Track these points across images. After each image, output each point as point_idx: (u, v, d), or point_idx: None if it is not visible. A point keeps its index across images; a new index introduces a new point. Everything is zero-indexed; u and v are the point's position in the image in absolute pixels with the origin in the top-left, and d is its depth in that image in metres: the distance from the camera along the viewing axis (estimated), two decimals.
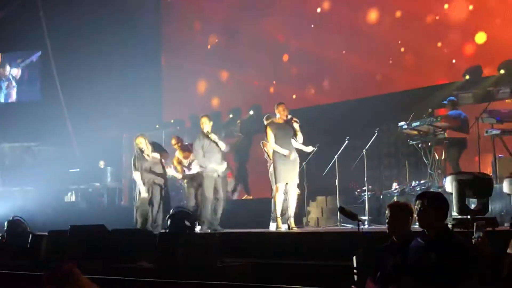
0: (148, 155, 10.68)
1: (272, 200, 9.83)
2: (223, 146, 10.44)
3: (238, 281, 6.60)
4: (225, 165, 10.56)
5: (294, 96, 15.37)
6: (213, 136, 10.35)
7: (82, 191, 17.37)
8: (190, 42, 18.39)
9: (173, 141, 11.60)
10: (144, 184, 10.64)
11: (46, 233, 9.21)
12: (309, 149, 10.01)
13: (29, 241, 9.36)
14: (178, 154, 11.36)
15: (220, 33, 17.77)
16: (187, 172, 11.18)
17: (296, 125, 9.57)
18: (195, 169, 10.91)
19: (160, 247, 7.83)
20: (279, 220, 9.54)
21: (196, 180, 10.87)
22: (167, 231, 8.52)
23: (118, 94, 18.23)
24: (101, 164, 17.32)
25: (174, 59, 19.05)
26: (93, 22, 18.62)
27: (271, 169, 9.93)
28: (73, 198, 17.55)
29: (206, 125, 10.37)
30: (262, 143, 10.30)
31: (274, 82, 16.44)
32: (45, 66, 20.30)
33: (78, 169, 17.76)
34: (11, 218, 10.47)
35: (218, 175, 10.40)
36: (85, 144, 18.49)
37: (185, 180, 11.29)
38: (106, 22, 18.50)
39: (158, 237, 8.09)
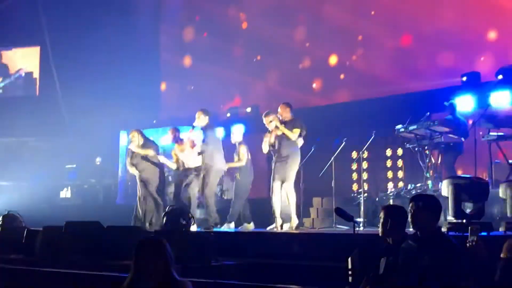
0: (129, 149, 10.83)
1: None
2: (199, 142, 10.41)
3: (232, 280, 6.60)
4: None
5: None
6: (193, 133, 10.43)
7: (77, 187, 17.35)
8: (189, 38, 18.40)
9: (169, 133, 11.56)
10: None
11: (41, 229, 9.18)
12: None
13: (24, 236, 9.34)
14: (176, 146, 11.31)
15: (217, 30, 17.79)
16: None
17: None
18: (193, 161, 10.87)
19: None
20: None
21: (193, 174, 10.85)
22: (162, 228, 8.54)
23: (116, 90, 18.22)
24: (98, 160, 17.31)
25: (173, 55, 19.06)
26: (92, 17, 18.61)
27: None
28: (68, 194, 17.53)
29: (200, 119, 10.41)
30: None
31: (268, 79, 16.47)
32: (43, 61, 20.27)
33: (75, 165, 17.75)
34: (6, 213, 10.45)
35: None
36: (82, 140, 18.46)
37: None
38: (105, 17, 18.49)
39: (153, 234, 8.08)
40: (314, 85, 15.71)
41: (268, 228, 9.81)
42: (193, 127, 10.54)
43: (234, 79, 17.14)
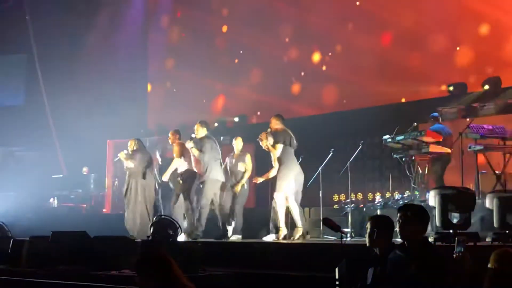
0: (118, 156, 11.08)
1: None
2: (196, 153, 10.42)
3: None
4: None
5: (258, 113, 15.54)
6: (189, 144, 10.44)
7: (64, 197, 17.26)
8: (177, 48, 18.43)
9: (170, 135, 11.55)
10: None
11: (28, 239, 9.13)
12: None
13: (10, 246, 9.28)
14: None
15: (206, 40, 17.83)
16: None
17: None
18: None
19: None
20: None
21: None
22: (149, 238, 8.52)
23: (103, 100, 18.18)
24: (85, 170, 17.25)
25: (160, 65, 19.07)
26: (80, 27, 18.59)
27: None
28: (55, 204, 17.44)
29: (198, 131, 10.52)
30: None
31: (258, 92, 16.52)
32: (30, 70, 20.21)
33: (61, 175, 17.67)
34: None
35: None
36: (68, 150, 18.39)
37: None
38: (92, 27, 18.48)
39: (140, 244, 8.07)
40: (298, 93, 15.73)
41: (264, 238, 9.78)
42: (191, 138, 10.63)
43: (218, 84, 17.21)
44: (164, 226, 8.51)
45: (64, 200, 17.26)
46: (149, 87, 19.52)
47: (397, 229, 4.79)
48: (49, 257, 8.60)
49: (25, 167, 18.81)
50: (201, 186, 10.43)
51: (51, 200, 17.48)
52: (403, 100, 13.71)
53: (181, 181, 10.76)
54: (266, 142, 9.76)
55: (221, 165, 10.58)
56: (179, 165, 10.86)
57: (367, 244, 5.05)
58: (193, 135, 10.78)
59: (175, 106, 17.81)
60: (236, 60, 17.17)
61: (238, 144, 10.82)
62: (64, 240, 8.76)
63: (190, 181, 10.69)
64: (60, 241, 8.77)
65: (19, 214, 15.47)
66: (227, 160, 10.81)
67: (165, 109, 18.47)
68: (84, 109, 18.17)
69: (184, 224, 10.50)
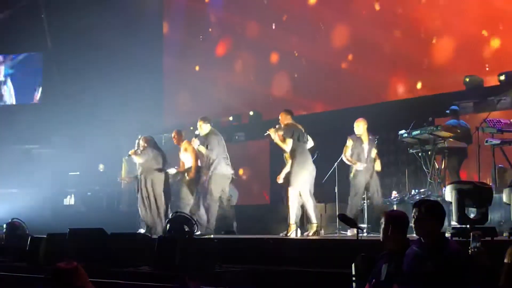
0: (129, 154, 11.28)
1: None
2: (203, 150, 10.41)
3: (236, 286, 6.60)
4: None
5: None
6: (195, 142, 10.50)
7: (81, 195, 17.37)
8: (193, 46, 18.45)
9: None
10: None
11: (45, 236, 9.19)
12: None
13: (28, 243, 9.35)
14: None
15: (220, 36, 17.86)
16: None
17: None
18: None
19: (158, 252, 7.83)
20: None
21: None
22: (166, 235, 8.55)
23: (120, 97, 18.25)
24: (101, 167, 17.33)
25: (176, 62, 19.10)
26: (96, 25, 18.65)
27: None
28: (72, 201, 17.54)
29: (201, 128, 10.51)
30: None
31: (271, 88, 16.53)
32: (47, 68, 20.34)
33: (78, 173, 17.77)
34: (10, 220, 10.49)
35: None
36: (85, 147, 18.48)
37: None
38: (108, 25, 18.53)
39: (157, 241, 8.09)
40: (317, 91, 15.70)
41: (281, 235, 9.75)
42: (196, 136, 10.62)
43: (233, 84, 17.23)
44: (180, 222, 8.52)
45: (81, 197, 17.36)
46: (164, 85, 19.55)
47: (412, 224, 4.76)
48: (66, 254, 8.64)
49: (42, 165, 18.94)
50: (206, 183, 10.41)
51: (68, 197, 17.59)
52: (420, 93, 13.61)
53: (187, 177, 10.89)
54: (275, 135, 9.70)
55: (228, 159, 10.55)
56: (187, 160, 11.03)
57: (382, 240, 5.03)
58: (196, 132, 10.67)
59: (192, 102, 17.83)
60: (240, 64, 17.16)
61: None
62: (81, 237, 8.81)
63: (198, 177, 10.79)
64: (77, 238, 8.82)
65: (36, 211, 15.58)
66: None
67: (181, 105, 18.49)
68: (100, 106, 18.25)
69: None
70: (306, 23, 15.91)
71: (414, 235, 4.80)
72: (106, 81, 18.10)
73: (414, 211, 4.73)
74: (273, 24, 16.50)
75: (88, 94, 18.27)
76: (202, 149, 10.37)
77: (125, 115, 17.92)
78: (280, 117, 9.90)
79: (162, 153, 11.33)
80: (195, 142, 10.52)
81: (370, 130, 10.11)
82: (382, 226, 5.02)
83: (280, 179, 9.92)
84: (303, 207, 9.76)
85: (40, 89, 20.78)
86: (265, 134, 10.00)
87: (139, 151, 11.15)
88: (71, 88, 19.05)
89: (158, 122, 18.62)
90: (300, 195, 9.57)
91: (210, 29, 18.40)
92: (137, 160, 11.17)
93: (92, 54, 18.61)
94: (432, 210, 4.71)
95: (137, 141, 11.42)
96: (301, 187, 9.56)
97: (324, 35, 15.50)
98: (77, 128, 18.94)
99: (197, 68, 18.36)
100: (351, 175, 10.00)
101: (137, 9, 19.23)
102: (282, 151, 9.87)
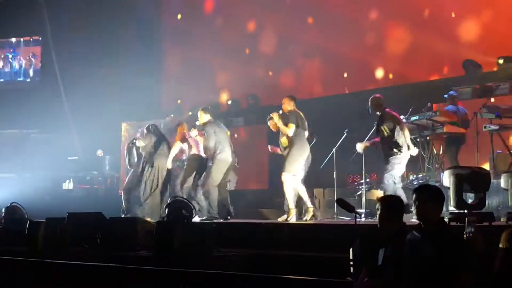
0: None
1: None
2: (200, 140, 10.65)
3: (234, 270, 6.62)
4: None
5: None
6: (193, 132, 10.72)
7: (80, 179, 17.39)
8: (191, 31, 18.39)
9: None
10: None
11: (44, 220, 9.21)
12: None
13: (27, 227, 9.37)
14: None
15: (221, 21, 17.81)
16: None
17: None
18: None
19: (157, 236, 7.85)
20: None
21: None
22: (164, 219, 8.57)
23: (118, 82, 18.23)
24: (99, 153, 17.34)
25: (175, 47, 19.05)
26: (94, 8, 18.60)
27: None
28: (70, 186, 17.57)
29: (201, 117, 10.57)
30: None
31: (270, 73, 16.50)
32: (45, 52, 20.28)
33: (76, 157, 17.78)
34: (9, 205, 10.51)
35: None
36: (83, 132, 18.48)
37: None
38: (106, 8, 18.48)
39: (156, 225, 8.11)
40: (315, 77, 15.69)
41: (279, 219, 9.75)
42: (195, 126, 10.87)
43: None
44: (179, 207, 8.54)
45: (80, 181, 17.39)
46: (163, 70, 19.52)
47: (412, 209, 4.78)
48: (65, 238, 8.68)
49: (41, 149, 18.94)
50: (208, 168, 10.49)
51: (66, 182, 17.62)
52: (417, 80, 13.60)
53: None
54: (275, 121, 9.71)
55: (230, 147, 10.59)
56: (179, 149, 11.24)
57: (378, 225, 5.07)
58: (197, 123, 10.83)
59: (189, 88, 17.80)
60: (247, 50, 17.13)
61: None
62: (80, 221, 8.84)
63: (195, 164, 10.92)
64: (76, 222, 8.85)
65: (35, 196, 15.60)
66: None
67: (178, 91, 18.46)
68: (99, 90, 18.21)
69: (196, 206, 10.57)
70: (306, 9, 15.88)
71: (413, 220, 4.82)
72: (105, 65, 18.06)
73: (414, 196, 4.75)
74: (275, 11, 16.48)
75: (86, 78, 18.19)
76: (199, 138, 10.47)
77: (124, 99, 17.91)
78: (283, 102, 9.88)
79: (166, 140, 11.45)
80: (194, 132, 10.73)
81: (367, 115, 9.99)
82: (378, 212, 5.07)
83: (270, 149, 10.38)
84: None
85: (40, 73, 20.75)
86: (268, 117, 9.99)
87: (142, 134, 11.37)
88: (69, 72, 18.99)
89: (156, 106, 18.63)
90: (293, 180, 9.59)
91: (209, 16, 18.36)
92: (139, 143, 11.28)
93: (91, 37, 18.56)
94: (432, 196, 4.73)
95: (140, 129, 11.60)
96: (296, 173, 9.59)
97: (325, 20, 15.47)
98: (76, 112, 18.91)
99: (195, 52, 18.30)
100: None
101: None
102: (280, 135, 9.86)
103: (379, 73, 14.36)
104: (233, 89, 17.18)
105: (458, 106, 11.09)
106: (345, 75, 14.96)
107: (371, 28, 14.41)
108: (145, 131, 11.50)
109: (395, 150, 8.96)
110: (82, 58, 18.47)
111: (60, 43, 19.38)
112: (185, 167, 11.20)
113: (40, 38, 20.55)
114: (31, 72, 20.92)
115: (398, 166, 9.00)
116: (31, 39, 20.90)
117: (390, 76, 14.26)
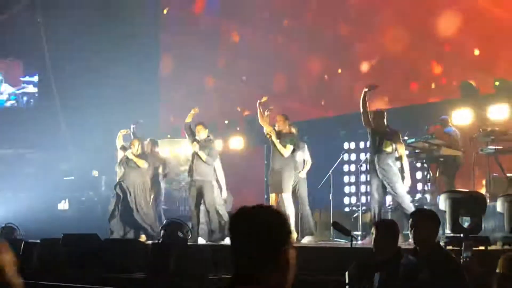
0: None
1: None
2: (203, 156, 10.34)
3: None
4: None
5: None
6: (195, 147, 10.39)
7: (75, 200, 17.32)
8: (188, 51, 18.44)
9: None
10: None
11: (39, 241, 9.18)
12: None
13: (22, 248, 9.32)
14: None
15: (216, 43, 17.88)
16: None
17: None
18: None
19: (153, 258, 7.82)
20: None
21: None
22: (159, 241, 8.55)
23: (115, 103, 18.20)
24: (95, 173, 17.28)
25: (173, 67, 19.10)
26: (92, 29, 18.63)
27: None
28: (66, 206, 17.50)
29: (200, 133, 10.48)
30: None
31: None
32: (42, 73, 20.29)
33: (72, 177, 17.74)
34: (4, 225, 10.47)
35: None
36: (80, 152, 18.43)
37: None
38: (105, 29, 18.53)
39: (151, 247, 8.09)
40: (312, 98, 15.72)
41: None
42: (196, 141, 10.53)
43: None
44: (175, 229, 8.52)
45: (75, 202, 17.31)
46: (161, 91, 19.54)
47: (408, 232, 4.78)
48: (60, 259, 8.64)
49: (36, 169, 18.89)
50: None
51: (62, 202, 17.55)
52: (414, 102, 13.62)
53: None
54: (274, 139, 9.69)
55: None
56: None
57: (373, 250, 5.06)
58: (197, 137, 10.57)
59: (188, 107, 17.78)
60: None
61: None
62: (75, 243, 8.81)
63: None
64: (72, 244, 8.82)
65: (30, 216, 15.52)
66: None
67: (177, 110, 18.45)
68: (96, 111, 18.19)
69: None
70: (304, 30, 15.96)
71: (407, 243, 4.82)
72: (102, 86, 18.07)
73: (411, 220, 4.76)
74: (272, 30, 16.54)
75: (83, 99, 18.18)
76: (202, 155, 10.31)
77: (121, 119, 17.90)
78: (278, 121, 9.89)
79: (162, 158, 11.46)
80: (195, 147, 10.42)
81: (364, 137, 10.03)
82: (373, 236, 5.05)
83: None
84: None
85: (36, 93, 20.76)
86: (266, 133, 9.91)
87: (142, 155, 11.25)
88: (67, 92, 18.98)
89: (154, 128, 18.61)
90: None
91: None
92: (141, 164, 11.19)
93: (88, 58, 18.56)
94: (429, 219, 4.74)
95: (137, 143, 11.45)
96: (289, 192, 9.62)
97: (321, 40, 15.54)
98: (72, 132, 18.88)
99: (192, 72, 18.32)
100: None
101: (135, 13, 19.21)
102: (271, 143, 9.80)
103: (376, 95, 14.37)
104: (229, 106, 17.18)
105: (453, 128, 11.11)
106: (342, 97, 14.98)
107: (369, 52, 14.45)
108: (148, 147, 11.49)
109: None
110: (80, 78, 18.47)
111: (57, 62, 19.39)
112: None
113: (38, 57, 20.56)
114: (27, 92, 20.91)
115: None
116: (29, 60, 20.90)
117: (388, 98, 14.28)
